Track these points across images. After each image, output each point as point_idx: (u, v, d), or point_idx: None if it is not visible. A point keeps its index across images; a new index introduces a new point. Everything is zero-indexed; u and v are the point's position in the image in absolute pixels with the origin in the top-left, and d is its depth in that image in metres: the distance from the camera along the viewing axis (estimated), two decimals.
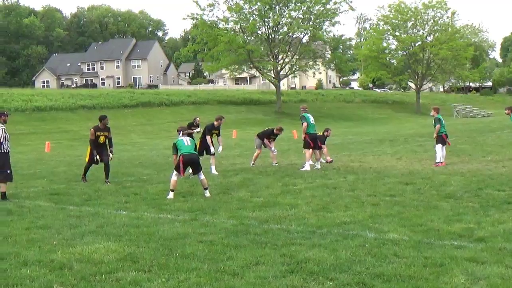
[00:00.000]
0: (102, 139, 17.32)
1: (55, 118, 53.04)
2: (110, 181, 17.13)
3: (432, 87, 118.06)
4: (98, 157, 17.13)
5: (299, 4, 70.57)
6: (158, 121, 57.00)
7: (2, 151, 14.33)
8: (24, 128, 46.96)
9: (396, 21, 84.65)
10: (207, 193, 14.36)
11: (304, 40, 74.72)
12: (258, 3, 69.30)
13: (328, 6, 71.00)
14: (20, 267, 8.21)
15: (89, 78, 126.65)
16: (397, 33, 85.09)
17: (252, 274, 7.57)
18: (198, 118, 23.77)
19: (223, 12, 73.83)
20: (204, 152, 19.59)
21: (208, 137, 19.50)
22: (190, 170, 14.92)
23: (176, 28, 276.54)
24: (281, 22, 71.89)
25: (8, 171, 14.44)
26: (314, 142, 20.13)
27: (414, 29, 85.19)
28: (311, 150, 20.46)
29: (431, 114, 21.09)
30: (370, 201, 13.03)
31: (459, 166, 19.82)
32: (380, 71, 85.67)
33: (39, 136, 44.24)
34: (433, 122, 20.76)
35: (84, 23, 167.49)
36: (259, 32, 72.53)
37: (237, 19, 71.17)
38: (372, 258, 8.27)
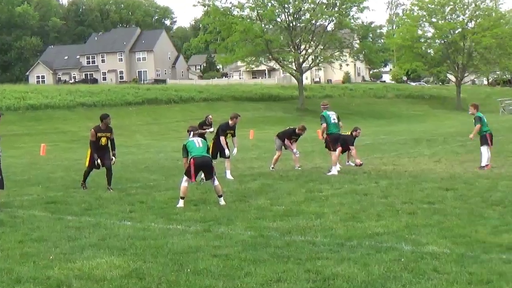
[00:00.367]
0: (103, 140, 17.25)
1: (51, 117, 53.33)
2: (112, 187, 17.15)
3: (475, 79, 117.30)
4: (99, 161, 17.11)
5: None
6: (166, 120, 57.15)
7: None
8: (16, 129, 47.27)
9: (433, 6, 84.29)
10: (222, 201, 14.33)
11: (329, 28, 74.67)
12: None
13: None
14: (13, 284, 8.21)
15: (89, 73, 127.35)
16: (433, 19, 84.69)
17: None
18: (210, 116, 23.75)
19: None
20: (218, 155, 19.57)
21: (222, 138, 19.46)
22: (202, 175, 14.90)
23: (185, 16, 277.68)
24: (302, 8, 71.89)
25: None
26: (335, 143, 20.03)
27: (453, 15, 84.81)
28: (338, 151, 20.44)
29: (469, 112, 20.90)
30: (406, 209, 12.95)
31: (506, 169, 19.66)
32: (415, 62, 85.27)
33: (34, 138, 44.49)
34: (474, 121, 20.53)
35: (83, 11, 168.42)
36: (279, 19, 72.55)
37: (253, 5, 71.25)
38: (409, 274, 8.20)
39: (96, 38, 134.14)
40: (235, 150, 20.17)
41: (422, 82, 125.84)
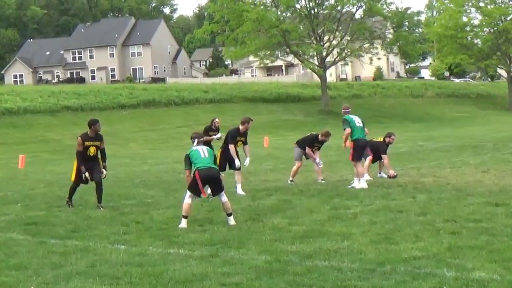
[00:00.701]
0: (92, 150, 17.25)
1: (31, 123, 53.60)
2: (103, 205, 17.23)
3: None
4: (87, 174, 17.17)
5: None
6: (165, 126, 57.35)
7: None
8: None
9: None
10: (232, 220, 14.38)
11: (357, 16, 74.85)
12: None
13: None
14: None
15: (75, 71, 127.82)
16: (481, 4, 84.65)
17: None
18: (217, 120, 23.86)
19: None
20: (227, 167, 19.64)
21: (231, 147, 19.49)
22: (209, 190, 14.97)
23: (187, 3, 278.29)
24: None
25: None
26: (360, 151, 20.05)
27: None
28: (368, 160, 20.47)
29: None
30: (448, 228, 12.94)
31: None
32: (460, 54, 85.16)
33: (10, 148, 44.72)
34: None
35: None
36: (298, 6, 72.78)
37: None
38: None
39: (83, 30, 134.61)
40: (247, 161, 20.16)
41: (468, 79, 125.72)
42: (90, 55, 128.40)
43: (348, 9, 74.40)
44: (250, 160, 20.77)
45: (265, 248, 11.81)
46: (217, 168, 15.01)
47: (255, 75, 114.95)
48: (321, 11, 74.01)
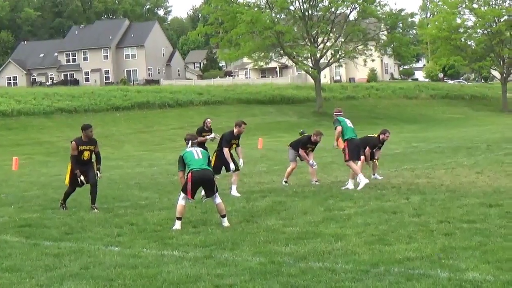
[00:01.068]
0: (86, 155, 17.34)
1: (25, 125, 53.52)
2: (97, 206, 17.22)
3: None
4: (82, 178, 17.18)
5: None
6: (159, 128, 57.31)
7: None
8: None
9: None
10: (226, 222, 14.39)
11: (351, 17, 74.86)
12: None
13: None
14: None
15: (69, 73, 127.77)
16: (475, 5, 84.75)
17: None
18: (209, 120, 24.06)
19: None
20: (223, 170, 19.66)
21: (226, 150, 19.49)
22: (203, 192, 14.96)
23: (181, 4, 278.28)
24: None
25: None
26: (354, 151, 20.07)
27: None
28: (361, 161, 20.53)
29: None
30: (442, 229, 12.97)
31: None
32: (453, 56, 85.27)
33: (4, 150, 44.65)
34: None
35: (62, 1, 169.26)
36: (292, 7, 72.83)
37: None
38: None
39: (77, 32, 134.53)
40: (241, 162, 20.18)
41: (462, 80, 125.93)
42: (84, 57, 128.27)
43: (342, 10, 74.47)
44: (244, 162, 20.79)
45: (259, 249, 11.82)
46: (211, 169, 14.98)
47: (249, 77, 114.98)
48: (315, 13, 74.05)
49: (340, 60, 79.55)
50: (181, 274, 10.20)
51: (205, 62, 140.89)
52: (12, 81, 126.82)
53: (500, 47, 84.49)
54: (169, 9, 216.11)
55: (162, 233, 13.79)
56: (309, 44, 72.54)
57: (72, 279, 10.18)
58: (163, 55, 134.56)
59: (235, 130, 19.82)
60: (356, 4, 71.63)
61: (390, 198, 17.39)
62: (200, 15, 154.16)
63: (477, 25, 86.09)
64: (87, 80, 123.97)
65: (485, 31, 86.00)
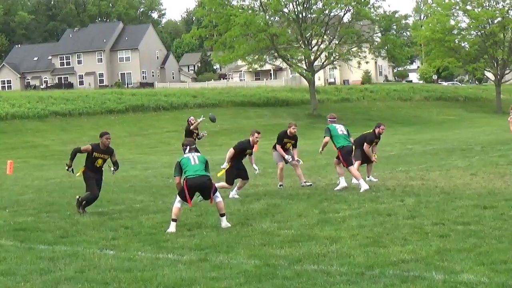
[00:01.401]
0: (99, 162, 17.34)
1: (19, 129, 53.46)
2: (87, 211, 17.18)
3: None
4: (72, 170, 17.25)
5: None
6: (154, 131, 57.28)
7: None
8: None
9: None
10: (224, 222, 14.43)
11: (345, 19, 74.87)
12: None
13: None
14: None
15: (63, 76, 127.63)
16: (468, 7, 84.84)
17: None
18: (192, 118, 24.45)
19: None
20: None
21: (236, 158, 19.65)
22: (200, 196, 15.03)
23: (175, 7, 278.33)
24: None
25: None
26: (349, 156, 20.12)
27: (491, 1, 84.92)
28: (356, 164, 20.60)
29: (510, 117, 20.83)
30: (437, 231, 12.98)
31: None
32: (447, 58, 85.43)
33: None
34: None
35: (56, 4, 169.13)
36: (286, 10, 72.80)
37: None
38: None
39: (71, 35, 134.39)
40: (255, 167, 20.40)
41: (456, 82, 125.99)
42: (78, 60, 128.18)
43: (336, 13, 74.47)
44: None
45: (254, 252, 11.83)
46: (207, 175, 14.87)
47: (244, 80, 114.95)
48: (309, 15, 74.08)
49: (334, 62, 79.49)
50: (176, 277, 10.21)
51: (199, 65, 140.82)
52: (6, 85, 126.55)
53: (493, 48, 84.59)
54: (163, 12, 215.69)
55: (157, 236, 13.80)
56: (303, 47, 72.56)
57: (67, 283, 10.18)
58: (157, 58, 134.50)
59: (251, 139, 19.90)
60: (350, 6, 71.68)
61: (384, 200, 17.40)
62: (194, 17, 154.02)
63: (471, 26, 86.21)
64: (81, 83, 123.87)
65: (479, 33, 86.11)
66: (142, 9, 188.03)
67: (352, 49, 74.40)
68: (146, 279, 10.16)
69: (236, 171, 19.48)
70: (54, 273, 10.88)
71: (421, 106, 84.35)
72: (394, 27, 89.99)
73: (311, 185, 21.30)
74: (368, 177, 22.05)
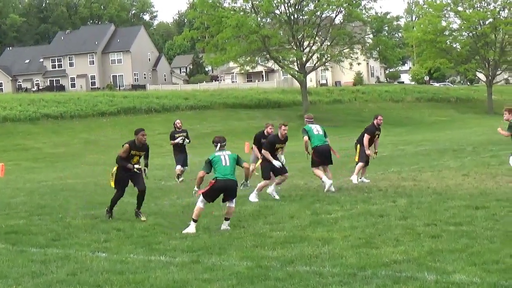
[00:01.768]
0: (135, 160, 16.78)
1: (11, 132, 53.36)
2: (142, 213, 16.77)
3: (509, 78, 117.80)
4: (136, 166, 16.61)
5: None
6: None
7: None
8: None
9: None
10: (225, 225, 14.43)
11: (337, 21, 74.92)
12: None
13: None
14: None
15: (54, 78, 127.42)
16: (460, 8, 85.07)
17: None
18: (178, 121, 24.63)
19: None
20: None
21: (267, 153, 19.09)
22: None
23: (167, 9, 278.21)
24: None
25: None
26: (322, 157, 20.14)
27: (483, 2, 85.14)
28: (359, 165, 21.04)
29: (504, 118, 20.85)
30: (429, 232, 13.00)
31: None
32: (439, 59, 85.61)
33: None
34: (507, 128, 20.50)
35: (47, 7, 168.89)
36: (277, 11, 72.84)
37: None
38: None
39: (62, 38, 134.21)
40: (283, 159, 20.06)
41: (447, 83, 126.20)
42: (70, 63, 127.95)
43: (328, 14, 74.55)
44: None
45: (246, 254, 11.83)
46: (235, 179, 14.66)
47: (236, 82, 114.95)
48: (301, 17, 74.14)
49: (326, 64, 79.52)
50: (168, 280, 10.20)
51: (191, 67, 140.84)
52: None
53: (485, 49, 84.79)
54: (154, 14, 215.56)
55: (149, 239, 13.78)
56: (295, 48, 72.61)
57: (59, 286, 10.16)
58: (149, 60, 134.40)
59: (280, 132, 19.35)
60: (341, 8, 71.74)
61: (377, 201, 17.42)
62: (186, 19, 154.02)
63: (462, 27, 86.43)
64: (73, 85, 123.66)
65: (470, 34, 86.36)
66: (133, 11, 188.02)
67: (344, 51, 74.48)
68: (138, 282, 10.15)
69: (270, 165, 19.13)
70: (46, 276, 10.86)
71: (412, 107, 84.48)
72: (386, 28, 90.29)
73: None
74: (361, 178, 22.09)
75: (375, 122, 22.14)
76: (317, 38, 73.23)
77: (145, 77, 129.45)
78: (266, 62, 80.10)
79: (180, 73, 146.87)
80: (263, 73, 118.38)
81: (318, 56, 74.16)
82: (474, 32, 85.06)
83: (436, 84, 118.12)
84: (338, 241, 12.57)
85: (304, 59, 72.87)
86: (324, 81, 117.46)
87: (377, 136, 22.35)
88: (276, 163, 18.84)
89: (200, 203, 14.47)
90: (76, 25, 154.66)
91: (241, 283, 9.81)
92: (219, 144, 14.87)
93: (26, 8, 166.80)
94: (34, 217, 17.61)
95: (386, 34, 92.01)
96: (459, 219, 14.22)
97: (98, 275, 10.68)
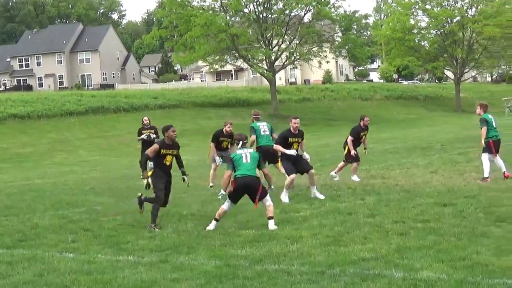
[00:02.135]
0: (169, 159, 15.49)
1: None
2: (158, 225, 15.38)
3: (477, 76, 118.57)
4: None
5: None
6: (114, 132, 56.98)
7: None
8: None
9: None
10: (272, 225, 14.12)
11: (305, 19, 74.95)
12: None
13: None
14: None
15: (21, 78, 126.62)
16: (428, 6, 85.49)
17: None
18: (146, 118, 24.72)
19: None
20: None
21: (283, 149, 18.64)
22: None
23: (136, 8, 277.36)
24: None
25: None
26: (265, 157, 19.86)
27: (450, 0, 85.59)
28: (355, 165, 21.61)
29: (476, 112, 20.99)
30: (397, 229, 13.07)
31: None
32: (407, 57, 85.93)
33: None
34: (480, 124, 20.63)
35: (14, 5, 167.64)
36: (246, 10, 72.73)
37: None
38: None
39: (30, 37, 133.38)
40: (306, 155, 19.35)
41: (416, 81, 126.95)
42: (37, 62, 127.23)
43: (297, 13, 74.54)
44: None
45: (215, 253, 11.84)
46: (256, 176, 14.51)
47: (205, 80, 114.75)
48: (270, 15, 74.08)
49: (295, 62, 79.49)
50: (136, 279, 10.18)
51: (160, 66, 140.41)
52: None
53: (453, 47, 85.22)
54: (123, 13, 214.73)
55: (117, 238, 13.74)
56: (264, 47, 72.59)
57: (26, 287, 10.11)
58: (118, 59, 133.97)
59: (291, 127, 18.75)
60: (310, 6, 71.78)
61: (345, 199, 17.48)
62: (154, 18, 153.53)
63: (430, 26, 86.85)
64: (40, 85, 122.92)
65: (438, 32, 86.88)
66: (102, 10, 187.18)
67: (313, 49, 74.52)
68: (106, 282, 10.12)
69: (290, 160, 18.67)
70: (13, 277, 10.80)
71: (381, 105, 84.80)
72: (355, 26, 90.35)
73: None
74: (353, 176, 22.06)
75: (361, 123, 22.19)
76: (286, 37, 73.23)
77: (113, 77, 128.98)
78: (235, 61, 79.94)
79: (149, 72, 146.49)
80: (232, 72, 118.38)
81: (287, 54, 74.15)
82: (442, 30, 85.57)
83: (405, 82, 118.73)
84: (306, 239, 12.59)
85: (273, 57, 72.84)
86: (293, 80, 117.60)
87: (364, 136, 22.42)
88: (290, 152, 18.39)
89: (224, 204, 14.48)
90: (43, 24, 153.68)
91: (209, 282, 9.82)
92: (241, 142, 14.92)
93: None
94: (1, 218, 17.48)
95: (355, 32, 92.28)
96: (427, 216, 14.31)
97: (65, 276, 10.63)
